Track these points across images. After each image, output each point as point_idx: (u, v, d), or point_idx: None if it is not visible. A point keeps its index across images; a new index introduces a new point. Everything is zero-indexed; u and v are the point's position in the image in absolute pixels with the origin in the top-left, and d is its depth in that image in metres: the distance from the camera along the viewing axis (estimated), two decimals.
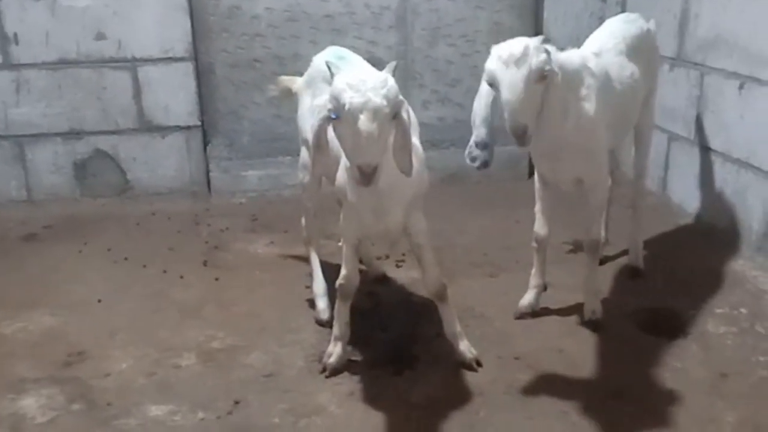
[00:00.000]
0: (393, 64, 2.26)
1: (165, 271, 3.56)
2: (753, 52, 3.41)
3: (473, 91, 4.73)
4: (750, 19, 3.42)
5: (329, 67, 2.29)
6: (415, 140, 2.47)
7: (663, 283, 3.29)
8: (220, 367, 2.74)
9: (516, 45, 2.32)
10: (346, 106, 2.08)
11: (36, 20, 4.28)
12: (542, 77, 2.32)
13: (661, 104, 3.79)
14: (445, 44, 4.71)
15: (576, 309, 3.04)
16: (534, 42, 2.34)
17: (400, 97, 2.18)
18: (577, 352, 2.77)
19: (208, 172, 4.68)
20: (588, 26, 4.31)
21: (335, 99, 2.12)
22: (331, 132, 2.27)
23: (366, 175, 2.08)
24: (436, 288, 2.66)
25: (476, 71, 4.90)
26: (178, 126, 4.56)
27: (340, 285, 2.65)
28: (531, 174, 4.68)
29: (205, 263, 3.67)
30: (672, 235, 3.88)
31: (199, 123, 4.58)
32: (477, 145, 2.49)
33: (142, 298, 3.31)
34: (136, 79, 4.44)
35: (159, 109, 4.52)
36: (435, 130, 4.77)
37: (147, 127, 4.55)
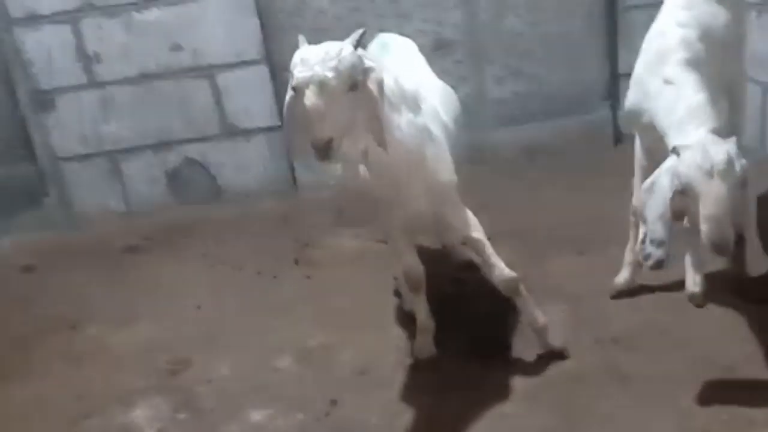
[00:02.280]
0: (359, 32, 2.15)
1: (259, 273, 3.64)
2: None
3: (546, 61, 4.67)
4: None
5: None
6: (444, 119, 2.46)
7: None
8: (316, 367, 2.79)
9: (716, 151, 2.08)
10: (293, 81, 2.06)
11: (114, 38, 4.39)
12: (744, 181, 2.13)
13: (752, 54, 3.52)
14: (513, 15, 4.52)
15: (677, 284, 2.88)
16: (732, 146, 2.12)
17: (367, 65, 2.11)
18: (681, 330, 2.64)
19: (293, 170, 4.74)
20: None
21: (290, 72, 2.09)
22: None
23: (319, 150, 2.02)
24: (506, 283, 2.49)
25: (547, 40, 4.75)
26: (260, 128, 4.63)
27: (406, 278, 2.63)
28: (617, 142, 4.52)
29: (296, 261, 3.72)
30: None
31: (280, 123, 4.63)
32: (652, 242, 2.25)
33: (239, 301, 3.39)
34: (215, 86, 4.52)
35: (240, 113, 4.59)
36: (511, 105, 4.64)
37: (231, 131, 4.63)
